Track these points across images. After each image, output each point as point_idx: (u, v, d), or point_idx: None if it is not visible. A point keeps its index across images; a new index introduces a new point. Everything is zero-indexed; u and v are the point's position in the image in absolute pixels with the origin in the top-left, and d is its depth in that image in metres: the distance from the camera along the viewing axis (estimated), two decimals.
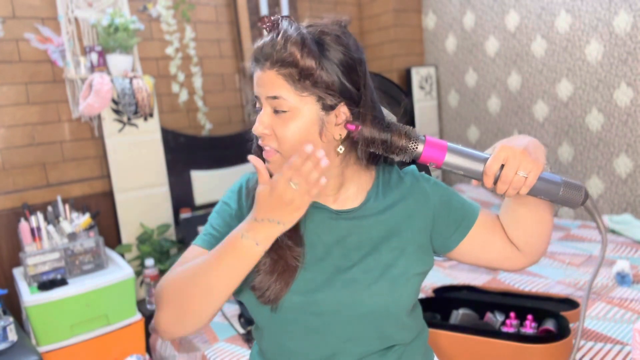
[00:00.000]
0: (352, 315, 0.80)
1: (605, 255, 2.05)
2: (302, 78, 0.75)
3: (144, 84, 2.16)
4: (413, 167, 0.95)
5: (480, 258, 0.90)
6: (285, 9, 2.86)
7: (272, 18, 0.80)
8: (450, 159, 0.75)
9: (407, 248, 0.85)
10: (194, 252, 0.85)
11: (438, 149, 0.75)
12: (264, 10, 2.77)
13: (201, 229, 2.76)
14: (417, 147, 0.75)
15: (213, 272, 0.75)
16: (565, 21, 2.55)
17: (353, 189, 0.86)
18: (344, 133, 0.80)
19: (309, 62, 0.75)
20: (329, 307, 0.79)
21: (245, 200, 0.88)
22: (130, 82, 2.14)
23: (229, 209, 0.88)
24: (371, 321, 0.81)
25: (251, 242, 0.74)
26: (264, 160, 0.84)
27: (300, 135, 0.77)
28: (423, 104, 3.19)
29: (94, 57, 2.12)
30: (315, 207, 0.85)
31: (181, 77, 2.53)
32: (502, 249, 0.89)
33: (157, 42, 2.46)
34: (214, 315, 0.79)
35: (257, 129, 0.79)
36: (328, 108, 0.77)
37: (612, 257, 2.03)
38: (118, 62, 2.15)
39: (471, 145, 3.17)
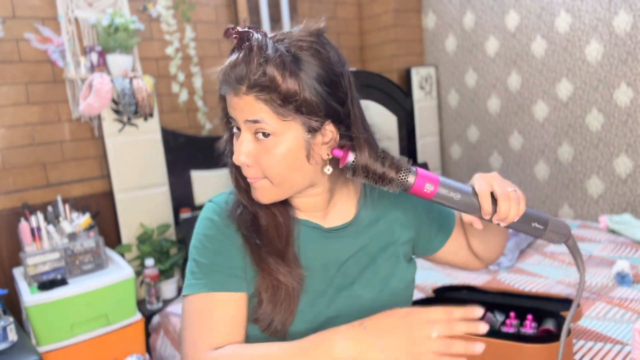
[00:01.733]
0: None
1: (606, 255, 2.05)
2: (284, 103, 0.67)
3: (144, 84, 2.16)
4: None
5: (449, 261, 0.95)
6: (285, 9, 2.86)
7: (240, 30, 0.69)
8: (441, 192, 0.71)
9: (401, 255, 0.85)
10: (216, 307, 0.73)
11: (430, 182, 0.71)
12: (264, 10, 2.76)
13: None
14: (407, 179, 0.69)
15: None
16: (565, 21, 2.55)
17: (342, 201, 0.82)
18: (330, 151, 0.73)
19: (292, 86, 0.66)
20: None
21: (232, 222, 0.78)
22: (130, 82, 2.14)
23: (220, 226, 0.78)
24: None
25: (343, 355, 0.60)
26: (242, 181, 0.78)
27: (287, 162, 0.70)
28: (423, 104, 3.19)
29: (94, 57, 2.12)
30: (306, 225, 0.80)
31: (181, 77, 2.53)
32: (466, 256, 0.94)
33: (157, 42, 2.46)
34: None
35: (237, 159, 0.71)
36: (313, 130, 0.70)
37: (612, 257, 2.03)
38: (118, 62, 2.15)
39: (471, 146, 3.17)
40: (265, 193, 0.73)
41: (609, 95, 2.45)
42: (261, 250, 0.75)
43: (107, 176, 2.26)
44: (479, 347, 0.59)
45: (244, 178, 0.77)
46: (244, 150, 0.70)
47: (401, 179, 0.69)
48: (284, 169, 0.70)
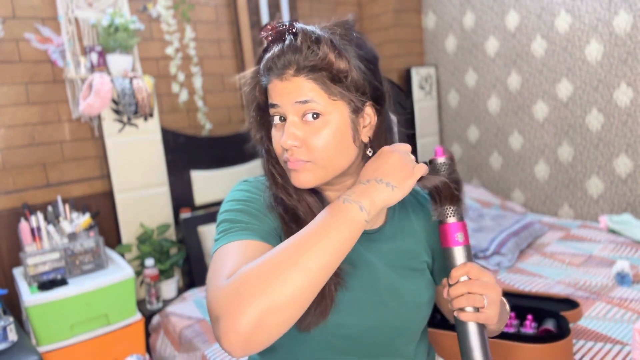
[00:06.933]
0: (376, 337, 0.78)
1: (606, 255, 2.05)
2: (335, 81, 0.70)
3: (144, 84, 2.16)
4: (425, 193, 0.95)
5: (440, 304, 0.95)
6: (285, 9, 2.86)
7: (277, 25, 0.72)
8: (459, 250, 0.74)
9: (425, 269, 0.86)
10: (247, 248, 0.68)
11: (461, 234, 0.74)
12: (264, 10, 2.76)
13: (202, 229, 2.72)
14: (450, 214, 0.74)
15: (312, 249, 0.60)
16: (565, 21, 2.55)
17: None
18: (371, 134, 0.77)
19: (343, 64, 0.70)
20: (356, 331, 0.76)
21: (272, 210, 0.77)
22: (130, 82, 2.14)
23: (258, 199, 0.77)
24: (393, 341, 0.80)
25: (354, 206, 0.64)
26: (279, 177, 0.78)
27: (335, 143, 0.72)
28: (423, 104, 3.19)
29: (94, 57, 2.12)
30: None
31: (181, 77, 2.53)
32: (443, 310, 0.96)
33: (157, 42, 2.46)
34: (305, 308, 0.62)
35: (285, 143, 0.71)
36: (358, 110, 0.73)
37: (612, 257, 2.03)
38: (118, 62, 2.15)
39: (471, 146, 3.17)
40: (308, 176, 0.73)
41: (609, 95, 2.45)
42: None
43: (107, 176, 2.26)
44: None
45: (280, 174, 0.78)
46: (292, 131, 0.71)
47: (447, 210, 0.73)
48: (332, 149, 0.72)
